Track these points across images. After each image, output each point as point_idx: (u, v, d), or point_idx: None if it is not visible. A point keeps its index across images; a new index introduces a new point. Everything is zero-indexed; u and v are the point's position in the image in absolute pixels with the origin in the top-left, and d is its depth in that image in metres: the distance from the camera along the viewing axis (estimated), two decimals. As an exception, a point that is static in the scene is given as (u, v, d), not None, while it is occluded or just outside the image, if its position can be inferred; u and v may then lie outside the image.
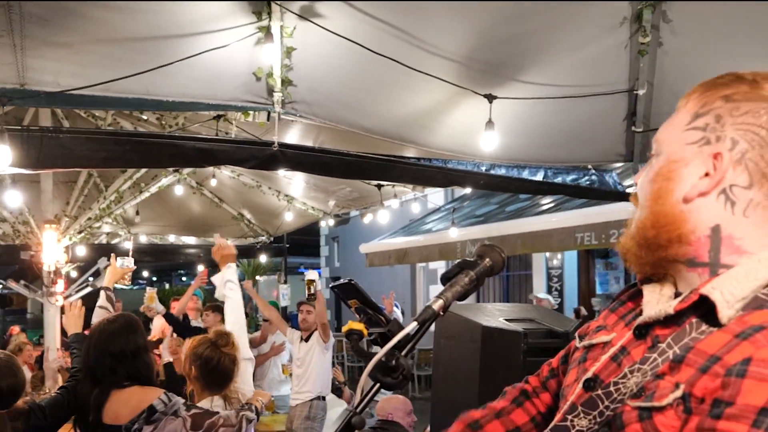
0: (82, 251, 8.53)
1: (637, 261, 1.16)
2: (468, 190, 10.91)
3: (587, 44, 3.94)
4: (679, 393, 0.96)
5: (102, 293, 4.44)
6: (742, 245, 1.06)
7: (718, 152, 1.06)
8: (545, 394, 1.47)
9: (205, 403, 3.04)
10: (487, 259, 1.26)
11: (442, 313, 1.20)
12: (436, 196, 13.48)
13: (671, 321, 1.07)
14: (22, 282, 7.42)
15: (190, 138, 4.11)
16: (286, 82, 3.69)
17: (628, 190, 5.51)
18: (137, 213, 9.40)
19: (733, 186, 1.06)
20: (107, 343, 2.86)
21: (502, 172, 5.02)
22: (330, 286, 1.72)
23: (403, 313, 7.45)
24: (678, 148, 1.11)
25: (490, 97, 3.85)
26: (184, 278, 38.33)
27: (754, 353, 0.90)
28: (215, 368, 3.05)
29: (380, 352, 1.15)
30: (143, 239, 11.35)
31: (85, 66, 3.43)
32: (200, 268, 20.51)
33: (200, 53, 3.42)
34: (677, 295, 1.12)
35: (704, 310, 1.03)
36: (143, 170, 7.55)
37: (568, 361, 1.38)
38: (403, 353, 1.15)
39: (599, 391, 1.11)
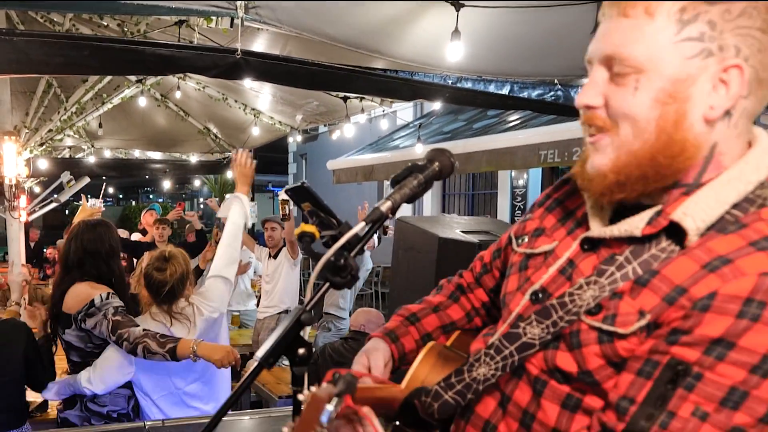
0: (44, 165, 8.38)
1: (618, 191, 1.06)
2: (437, 107, 10.85)
3: (557, -50, 3.87)
4: (644, 322, 0.99)
5: None
6: (723, 160, 1.03)
7: (736, 65, 0.97)
8: (479, 290, 1.50)
9: (146, 316, 3.19)
10: (436, 163, 1.24)
11: (390, 216, 1.19)
12: (405, 112, 13.36)
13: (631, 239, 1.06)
14: (-18, 198, 7.32)
15: (150, 44, 4.00)
16: (249, -15, 3.59)
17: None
18: (100, 125, 9.22)
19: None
20: (84, 241, 3.12)
21: (468, 86, 4.99)
22: (284, 189, 1.74)
23: (379, 239, 7.51)
24: (679, 65, 0.98)
25: (458, 5, 3.78)
26: (150, 196, 38.05)
27: (719, 287, 0.92)
28: (150, 284, 3.18)
29: (329, 252, 1.16)
30: (107, 154, 11.17)
31: (38, -37, 3.30)
32: (166, 184, 20.41)
33: (159, -48, 3.31)
34: (620, 206, 1.10)
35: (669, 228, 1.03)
36: (105, 81, 7.36)
37: (502, 260, 1.43)
38: (352, 254, 1.17)
39: (553, 301, 1.10)
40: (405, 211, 13.33)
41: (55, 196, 8.24)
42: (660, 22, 0.98)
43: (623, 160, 1.03)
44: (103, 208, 4.75)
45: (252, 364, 1.19)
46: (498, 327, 1.23)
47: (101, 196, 5.66)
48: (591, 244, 1.12)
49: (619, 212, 1.10)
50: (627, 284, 1.01)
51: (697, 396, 0.90)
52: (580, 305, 1.05)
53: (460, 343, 1.43)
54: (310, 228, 1.40)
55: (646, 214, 1.04)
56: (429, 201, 12.85)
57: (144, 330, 2.94)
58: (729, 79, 0.98)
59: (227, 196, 3.53)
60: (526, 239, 1.27)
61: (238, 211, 3.40)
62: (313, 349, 4.45)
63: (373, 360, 1.36)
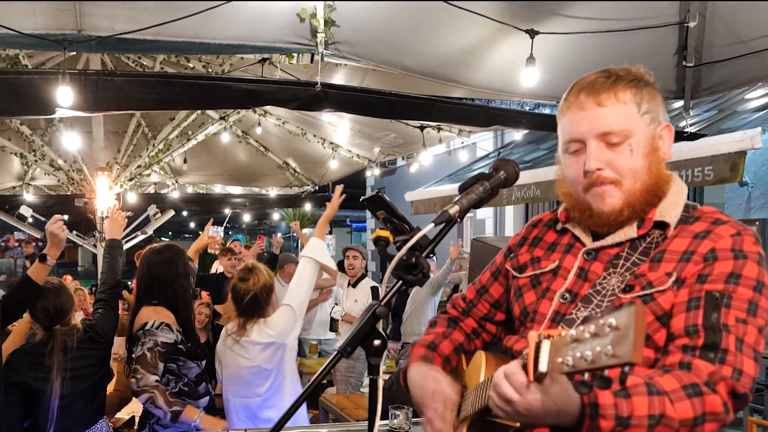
0: (132, 198, 8.79)
1: (626, 216, 1.45)
2: (517, 137, 10.83)
3: (634, -25, 3.85)
4: (674, 278, 1.39)
5: None
6: None
7: (668, 125, 1.51)
8: (468, 320, 1.81)
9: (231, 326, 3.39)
10: (502, 172, 1.43)
11: (458, 219, 1.36)
12: (485, 143, 13.33)
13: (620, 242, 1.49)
14: (75, 232, 7.72)
15: (236, 79, 4.22)
16: (329, 23, 3.71)
17: (687, 130, 5.31)
18: (185, 161, 9.59)
19: None
20: (151, 267, 3.27)
21: (546, 111, 5.00)
22: (360, 199, 1.84)
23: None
24: (645, 130, 1.45)
25: (532, 33, 3.83)
26: (230, 232, 38.85)
27: (715, 245, 1.40)
28: (235, 295, 3.35)
29: (401, 251, 1.25)
30: (189, 190, 11.58)
31: (139, 11, 3.52)
32: (246, 218, 20.83)
33: (246, -7, 3.48)
34: (590, 228, 1.52)
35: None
36: (190, 119, 7.71)
37: (490, 293, 1.77)
38: (423, 254, 1.26)
39: (588, 291, 1.47)
40: (488, 231, 13.23)
41: (143, 228, 8.63)
42: (630, 106, 1.44)
43: (629, 198, 1.44)
44: (221, 238, 4.79)
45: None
46: (535, 328, 1.52)
47: (224, 223, 5.55)
48: (592, 254, 1.51)
49: (594, 234, 1.53)
50: (644, 266, 1.43)
51: (734, 309, 1.33)
52: (610, 290, 1.43)
53: (475, 363, 1.61)
54: (385, 233, 1.51)
55: (631, 225, 1.47)
56: (511, 223, 12.72)
57: (157, 382, 2.98)
58: (664, 135, 1.50)
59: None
60: (527, 267, 1.63)
61: (311, 248, 3.51)
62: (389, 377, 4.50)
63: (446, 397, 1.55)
